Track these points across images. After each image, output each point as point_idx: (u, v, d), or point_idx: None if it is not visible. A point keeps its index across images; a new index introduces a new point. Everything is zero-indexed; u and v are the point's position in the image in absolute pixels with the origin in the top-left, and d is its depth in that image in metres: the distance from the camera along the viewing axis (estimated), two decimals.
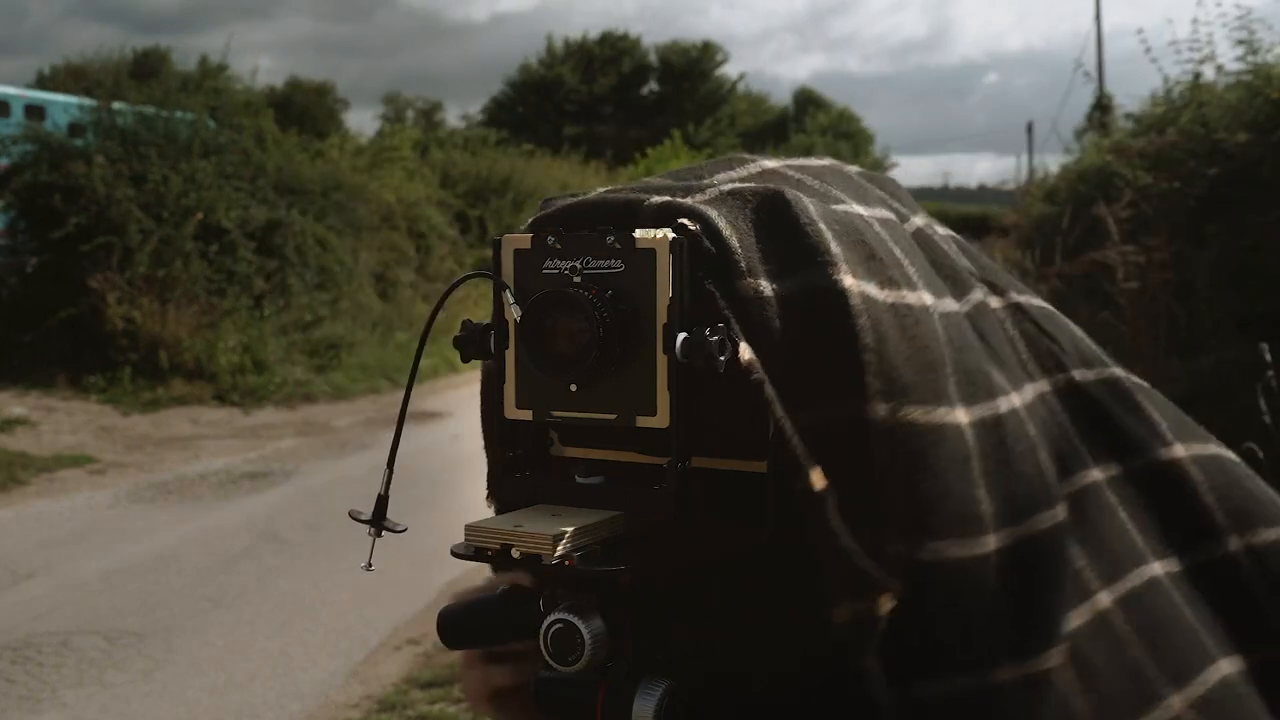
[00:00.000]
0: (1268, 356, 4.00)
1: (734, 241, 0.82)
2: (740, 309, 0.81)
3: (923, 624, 0.81)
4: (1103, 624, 0.89)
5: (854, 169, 1.04)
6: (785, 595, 0.86)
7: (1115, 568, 0.93)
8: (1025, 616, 0.85)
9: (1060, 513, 0.88)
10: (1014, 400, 0.90)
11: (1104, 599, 0.90)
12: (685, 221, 0.82)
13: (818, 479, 0.77)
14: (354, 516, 0.95)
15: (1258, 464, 3.90)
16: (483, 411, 0.96)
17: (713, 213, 0.83)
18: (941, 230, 1.02)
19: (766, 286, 0.82)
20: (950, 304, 0.91)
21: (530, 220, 0.91)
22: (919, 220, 1.00)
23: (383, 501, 0.95)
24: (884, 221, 0.94)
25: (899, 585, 0.78)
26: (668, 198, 0.85)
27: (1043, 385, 0.96)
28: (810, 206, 0.89)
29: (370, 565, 0.97)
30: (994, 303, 0.97)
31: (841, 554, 0.78)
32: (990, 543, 0.84)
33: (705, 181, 0.93)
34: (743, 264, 0.82)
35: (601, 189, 0.92)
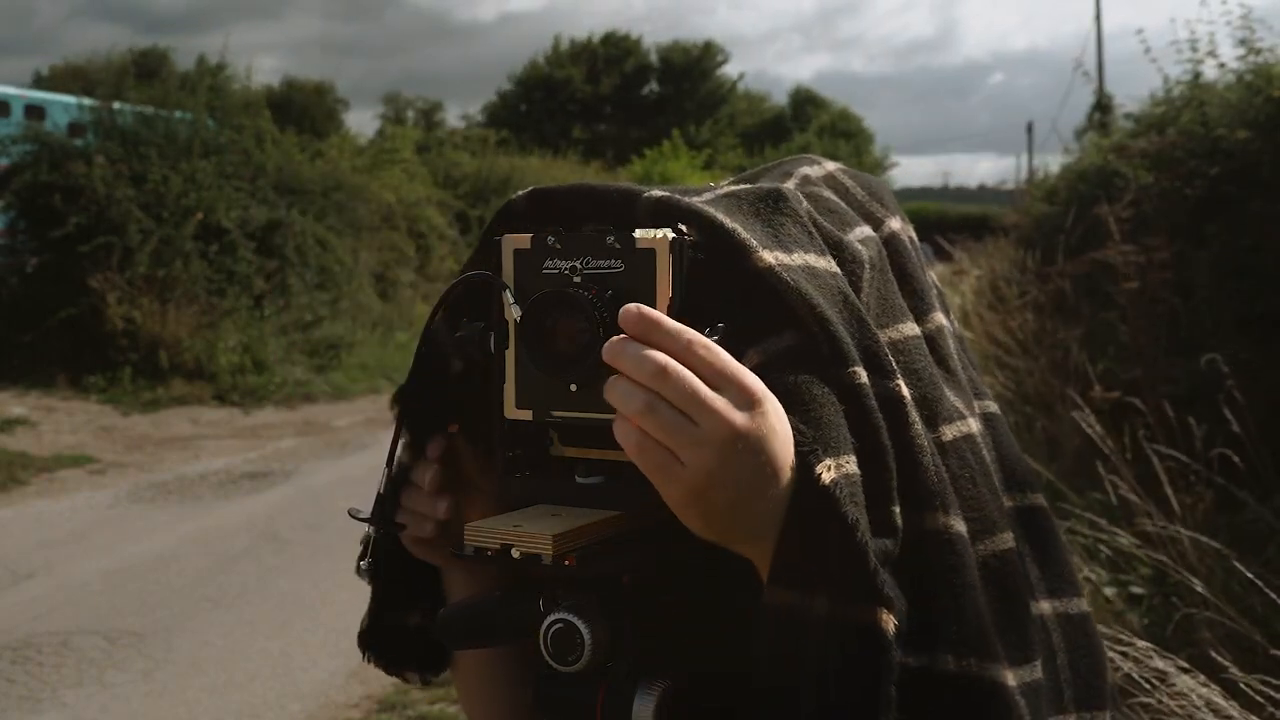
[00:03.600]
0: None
1: (737, 227, 0.83)
2: (758, 282, 0.81)
3: (922, 597, 0.81)
4: (1042, 630, 0.92)
5: (834, 165, 1.06)
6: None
7: (1060, 585, 0.96)
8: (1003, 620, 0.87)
9: (1008, 539, 0.90)
10: (967, 425, 0.92)
11: (1045, 608, 0.94)
12: (683, 227, 0.82)
13: (826, 473, 0.77)
14: (354, 515, 0.96)
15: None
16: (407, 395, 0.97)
17: (710, 209, 0.84)
18: (913, 235, 1.04)
19: (783, 256, 0.83)
20: (908, 329, 0.93)
21: (517, 195, 0.92)
22: (895, 223, 1.01)
23: (382, 501, 0.95)
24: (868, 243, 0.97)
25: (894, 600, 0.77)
26: (666, 193, 0.86)
27: (988, 405, 0.99)
28: (805, 201, 0.91)
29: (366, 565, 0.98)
30: (943, 321, 1.00)
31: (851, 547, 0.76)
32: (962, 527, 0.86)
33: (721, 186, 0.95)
34: (752, 241, 0.82)
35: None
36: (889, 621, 0.75)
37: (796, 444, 0.77)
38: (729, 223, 0.83)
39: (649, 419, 0.75)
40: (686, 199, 0.85)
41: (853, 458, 0.78)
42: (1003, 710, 0.81)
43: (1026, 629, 0.88)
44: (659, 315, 0.77)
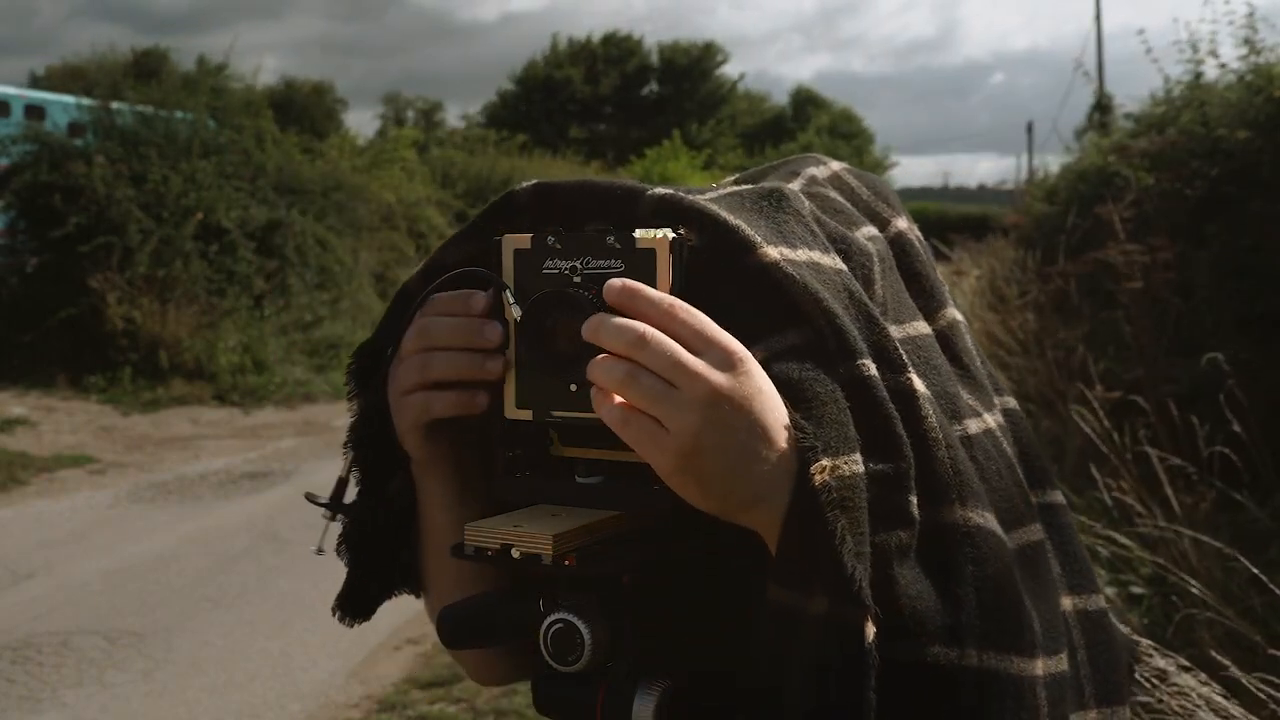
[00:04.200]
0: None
1: (741, 224, 0.83)
2: (762, 278, 0.81)
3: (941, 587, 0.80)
4: (1064, 629, 0.92)
5: (839, 165, 1.06)
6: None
7: (1079, 582, 0.96)
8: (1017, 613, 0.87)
9: (1037, 530, 0.90)
10: (987, 420, 0.92)
11: (1066, 604, 0.93)
12: (682, 230, 0.82)
13: (819, 474, 0.76)
14: (311, 499, 0.95)
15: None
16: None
17: (713, 207, 0.84)
18: (919, 234, 1.04)
19: (788, 252, 0.83)
20: (921, 327, 0.92)
21: (521, 187, 0.91)
22: (901, 223, 1.01)
23: (342, 484, 0.94)
24: (874, 237, 0.96)
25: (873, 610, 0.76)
26: (669, 192, 0.86)
27: (1008, 400, 0.99)
28: (808, 201, 0.91)
29: (322, 549, 0.97)
30: (959, 316, 1.00)
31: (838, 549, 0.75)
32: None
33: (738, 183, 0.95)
34: (755, 238, 0.82)
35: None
36: (869, 626, 0.74)
37: (797, 440, 0.77)
38: (732, 220, 0.83)
39: (630, 389, 0.75)
40: (690, 197, 0.85)
41: (856, 456, 0.77)
42: (1016, 704, 0.81)
43: (1055, 621, 0.88)
44: (640, 285, 0.78)
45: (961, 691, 0.78)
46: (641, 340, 0.75)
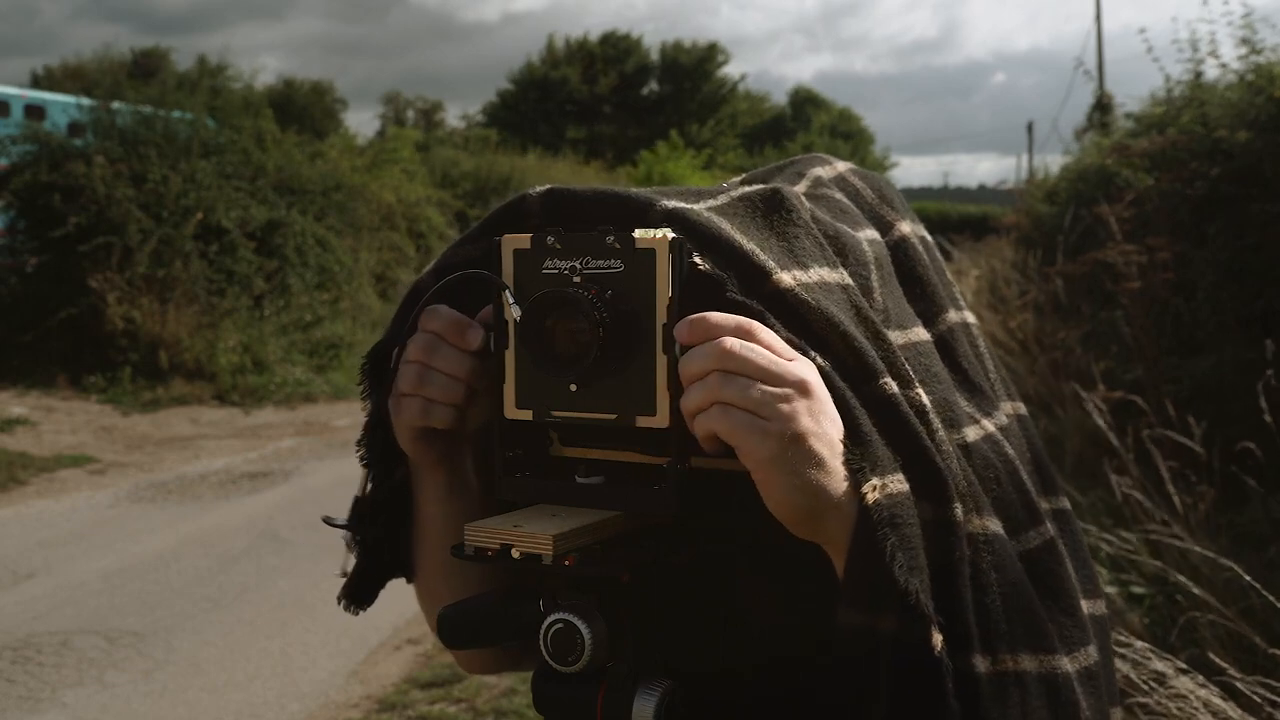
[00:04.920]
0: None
1: (754, 248, 0.83)
2: (778, 305, 0.82)
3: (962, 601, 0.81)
4: (1088, 626, 0.93)
5: (845, 166, 1.06)
6: (787, 592, 0.86)
7: (1090, 587, 0.97)
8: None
9: (1048, 529, 0.91)
10: (986, 426, 0.92)
11: (1085, 607, 0.94)
12: (697, 260, 0.82)
13: (871, 492, 0.77)
14: (329, 522, 0.95)
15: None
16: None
17: (727, 225, 0.84)
18: (924, 234, 1.03)
19: (801, 275, 0.84)
20: (921, 333, 0.93)
21: (532, 192, 0.91)
22: (905, 227, 1.00)
23: (360, 504, 0.95)
24: (871, 241, 0.96)
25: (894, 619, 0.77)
26: (680, 205, 0.85)
27: (1019, 406, 0.99)
28: (806, 202, 0.91)
29: (346, 572, 0.97)
30: (969, 318, 1.00)
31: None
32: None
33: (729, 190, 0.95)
34: (770, 264, 0.83)
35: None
36: (935, 636, 0.75)
37: (846, 461, 0.78)
38: (746, 244, 0.83)
39: (728, 390, 0.76)
40: (701, 213, 0.85)
41: (899, 475, 0.78)
42: (1054, 700, 0.82)
43: (1075, 619, 0.89)
44: (705, 313, 0.79)
45: (1009, 696, 0.79)
46: (727, 353, 0.77)
